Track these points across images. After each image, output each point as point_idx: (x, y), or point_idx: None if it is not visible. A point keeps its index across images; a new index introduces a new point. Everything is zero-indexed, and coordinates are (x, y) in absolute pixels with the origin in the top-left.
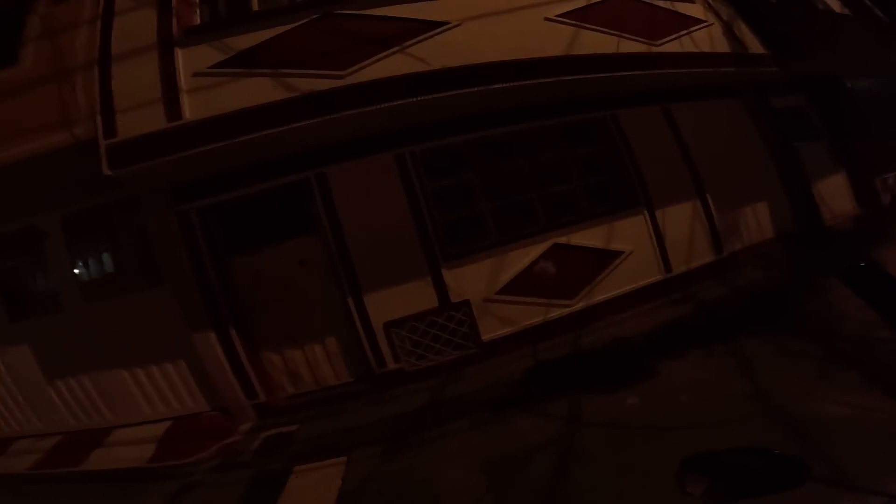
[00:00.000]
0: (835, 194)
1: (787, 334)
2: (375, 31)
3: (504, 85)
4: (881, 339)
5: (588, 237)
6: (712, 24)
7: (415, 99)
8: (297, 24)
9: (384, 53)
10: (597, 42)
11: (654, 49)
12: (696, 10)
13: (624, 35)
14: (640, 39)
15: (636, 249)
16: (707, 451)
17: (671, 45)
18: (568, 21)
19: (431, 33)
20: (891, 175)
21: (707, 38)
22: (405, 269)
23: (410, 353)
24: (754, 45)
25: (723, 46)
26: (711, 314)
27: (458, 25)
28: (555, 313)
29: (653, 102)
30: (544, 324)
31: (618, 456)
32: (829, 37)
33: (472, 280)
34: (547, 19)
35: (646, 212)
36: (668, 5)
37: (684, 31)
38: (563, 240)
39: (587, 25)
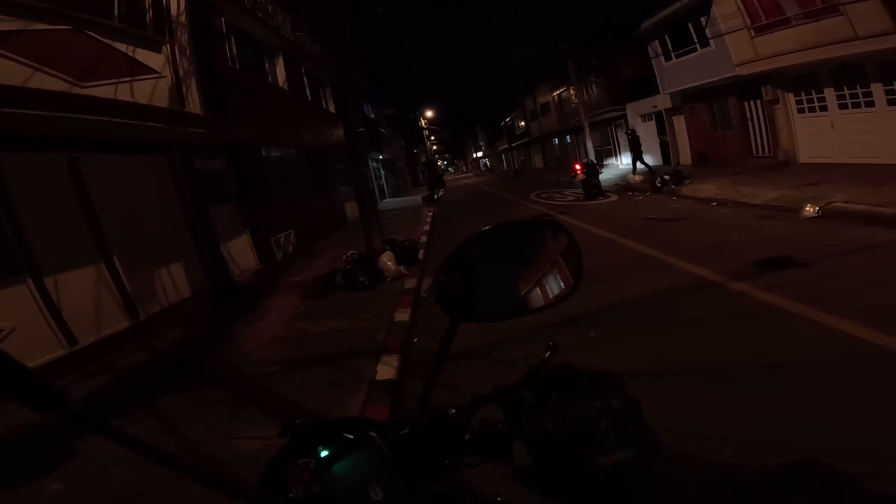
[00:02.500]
0: (241, 252)
1: (203, 386)
2: None
3: None
4: (271, 374)
5: None
6: (164, 76)
7: None
8: None
9: None
10: None
11: (76, 90)
12: (156, 61)
13: (44, 69)
14: (64, 77)
15: (21, 325)
16: None
17: (101, 90)
18: None
19: None
20: (282, 235)
21: (150, 90)
22: None
23: None
24: (195, 105)
25: (161, 101)
26: (130, 380)
27: None
28: None
29: (56, 149)
30: None
31: None
32: (263, 107)
33: None
34: None
35: (30, 280)
36: (128, 50)
37: (127, 79)
38: None
39: None
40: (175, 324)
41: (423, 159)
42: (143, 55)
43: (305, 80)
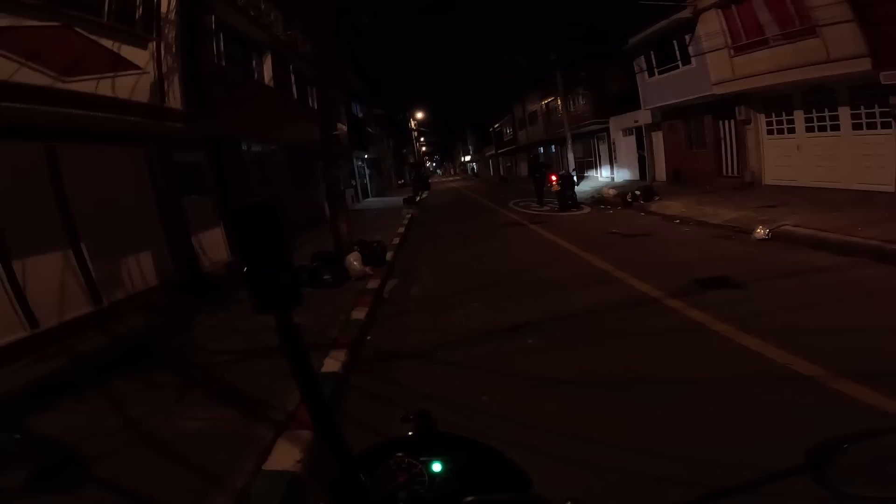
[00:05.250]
0: (213, 244)
1: (156, 371)
2: None
3: None
4: (224, 362)
5: None
6: (147, 72)
7: None
8: None
9: None
10: None
11: (59, 85)
12: (140, 57)
13: (30, 64)
14: (48, 72)
15: None
16: None
17: (84, 85)
18: None
19: None
20: None
21: (131, 85)
22: None
23: None
24: (176, 100)
25: (142, 96)
26: (86, 364)
27: None
28: None
29: (35, 139)
30: None
31: None
32: (246, 104)
33: None
34: None
35: None
36: (113, 46)
37: (110, 74)
38: None
39: None
40: (138, 311)
41: (411, 160)
42: (128, 51)
43: (293, 77)
